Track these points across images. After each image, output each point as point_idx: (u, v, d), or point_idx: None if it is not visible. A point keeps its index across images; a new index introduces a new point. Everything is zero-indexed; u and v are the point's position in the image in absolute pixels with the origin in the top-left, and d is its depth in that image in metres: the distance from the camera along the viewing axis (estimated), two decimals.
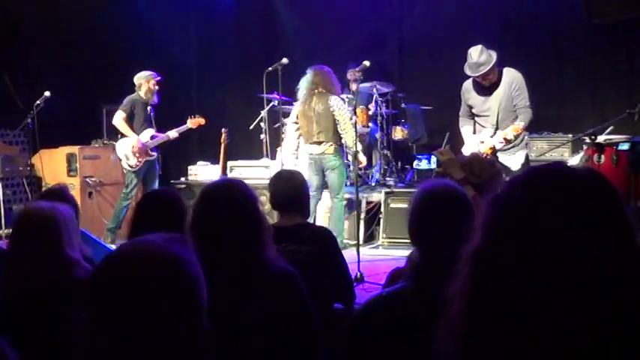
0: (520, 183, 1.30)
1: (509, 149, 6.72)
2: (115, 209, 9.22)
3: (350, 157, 9.27)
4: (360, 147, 7.75)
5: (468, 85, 6.98)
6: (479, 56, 6.70)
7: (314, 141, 7.91)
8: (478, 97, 6.90)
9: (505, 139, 6.51)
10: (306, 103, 7.92)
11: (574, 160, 7.75)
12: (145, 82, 9.08)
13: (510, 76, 6.78)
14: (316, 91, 7.86)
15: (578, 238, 1.21)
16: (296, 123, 8.19)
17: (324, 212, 8.51)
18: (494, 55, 6.70)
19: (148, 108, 9.16)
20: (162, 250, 1.43)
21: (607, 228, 1.23)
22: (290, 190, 4.33)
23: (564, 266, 1.19)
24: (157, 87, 9.17)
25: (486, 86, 6.81)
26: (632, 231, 1.27)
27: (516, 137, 6.64)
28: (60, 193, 4.18)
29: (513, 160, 6.82)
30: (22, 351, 3.00)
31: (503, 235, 1.26)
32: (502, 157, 6.70)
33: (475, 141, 6.85)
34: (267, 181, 8.74)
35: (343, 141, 7.86)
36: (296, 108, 8.19)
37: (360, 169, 8.97)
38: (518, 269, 1.21)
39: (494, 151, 6.64)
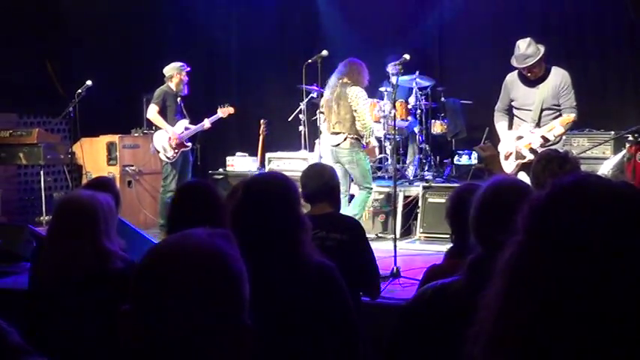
0: (562, 192, 1.28)
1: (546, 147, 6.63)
2: (159, 205, 9.22)
3: (388, 151, 9.26)
4: (372, 139, 7.72)
5: (512, 77, 6.91)
6: (526, 48, 6.65)
7: (332, 131, 7.84)
8: (522, 89, 6.82)
9: (543, 137, 6.43)
10: (330, 93, 7.88)
11: (615, 159, 7.65)
12: (176, 73, 9.08)
13: (560, 74, 6.68)
14: (341, 81, 7.78)
15: (619, 253, 1.18)
16: (322, 113, 8.16)
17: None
18: (542, 49, 6.65)
19: (178, 99, 9.16)
20: (206, 245, 1.42)
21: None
22: (320, 182, 4.36)
23: (600, 286, 1.18)
24: (187, 78, 9.16)
25: (531, 80, 6.74)
26: None
27: (555, 137, 6.55)
28: (106, 184, 4.23)
29: None
30: (54, 337, 3.05)
31: (542, 244, 1.24)
32: None
33: (512, 136, 6.79)
34: None
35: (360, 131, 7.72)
36: (323, 98, 8.18)
37: (373, 161, 8.87)
38: (555, 281, 1.20)
39: (531, 148, 6.58)
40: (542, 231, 1.25)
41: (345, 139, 7.70)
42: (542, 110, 6.68)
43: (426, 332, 2.41)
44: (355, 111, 7.62)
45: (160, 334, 1.36)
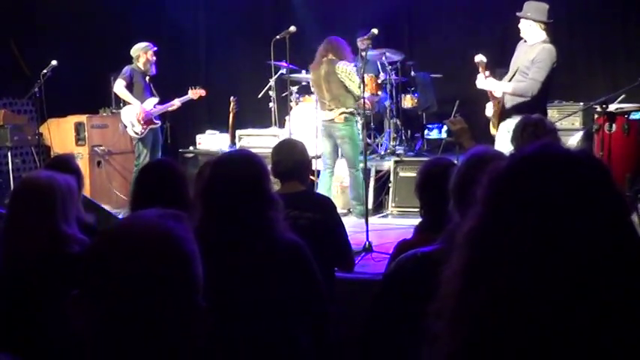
0: (520, 162, 1.28)
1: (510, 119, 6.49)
2: (131, 184, 9.12)
3: (359, 125, 9.23)
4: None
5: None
6: (528, 6, 6.51)
7: (326, 108, 7.93)
8: (517, 51, 6.72)
9: (491, 80, 6.41)
10: (317, 71, 7.99)
11: (577, 136, 7.71)
12: (142, 53, 8.99)
13: (544, 49, 6.44)
14: (325, 58, 7.88)
15: (578, 224, 1.18)
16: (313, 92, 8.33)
17: (336, 181, 8.48)
18: (540, 15, 6.46)
19: (147, 78, 9.08)
20: (155, 226, 1.40)
21: (604, 211, 1.21)
22: (293, 159, 4.30)
23: (561, 252, 1.17)
24: (154, 58, 9.06)
25: (525, 44, 6.63)
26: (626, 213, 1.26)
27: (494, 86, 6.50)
28: (66, 163, 4.16)
29: None
30: (13, 326, 3.00)
31: (500, 216, 1.23)
32: (504, 129, 6.49)
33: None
34: None
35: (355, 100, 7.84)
36: (311, 78, 8.29)
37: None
38: (514, 254, 1.19)
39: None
40: (501, 202, 1.24)
41: (340, 114, 7.80)
42: (515, 72, 6.54)
43: (408, 302, 2.40)
44: (347, 83, 7.72)
45: (109, 318, 1.34)
